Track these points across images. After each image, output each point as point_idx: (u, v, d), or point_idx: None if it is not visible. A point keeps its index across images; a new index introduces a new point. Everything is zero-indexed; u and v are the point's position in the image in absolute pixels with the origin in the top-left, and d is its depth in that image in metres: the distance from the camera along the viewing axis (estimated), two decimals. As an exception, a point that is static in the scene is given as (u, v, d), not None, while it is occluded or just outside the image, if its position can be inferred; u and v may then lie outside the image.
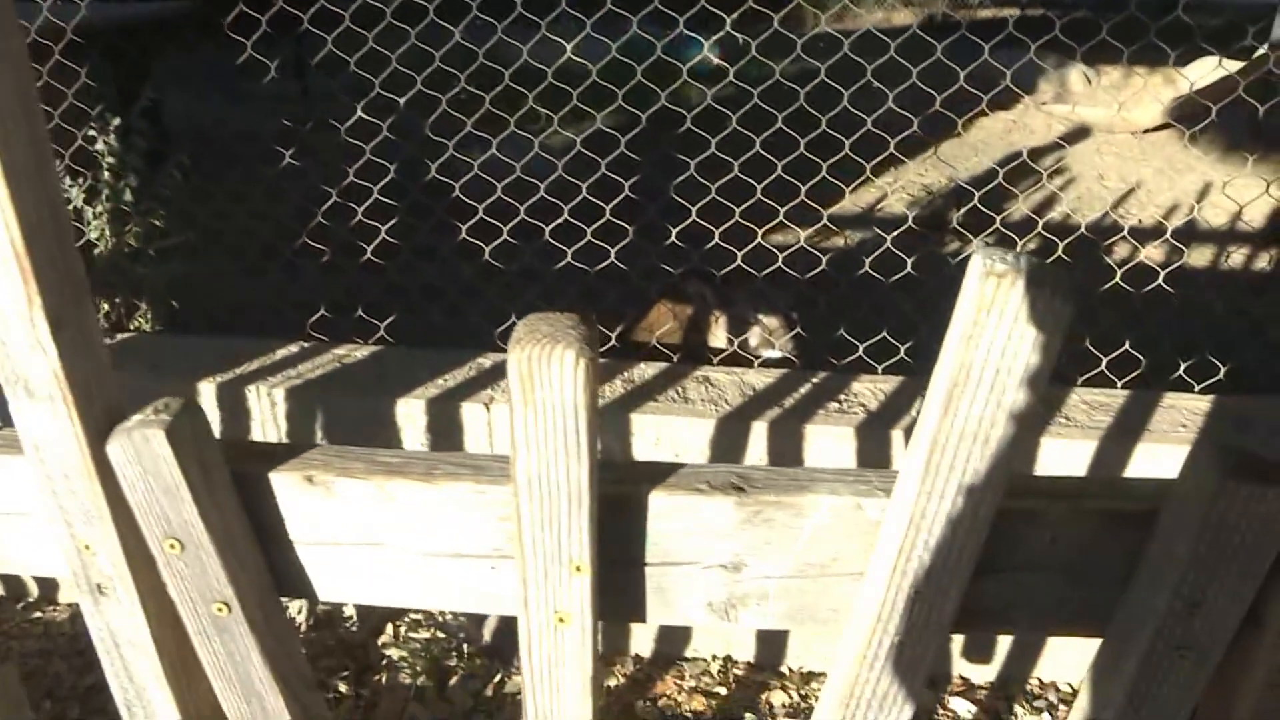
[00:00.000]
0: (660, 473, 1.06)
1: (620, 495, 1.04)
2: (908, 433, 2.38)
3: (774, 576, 1.06)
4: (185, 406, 1.04)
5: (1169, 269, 2.80)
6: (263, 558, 1.12)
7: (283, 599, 1.17)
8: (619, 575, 1.07)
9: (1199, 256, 4.20)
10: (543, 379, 0.93)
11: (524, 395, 0.94)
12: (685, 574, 1.07)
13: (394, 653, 2.66)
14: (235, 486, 1.08)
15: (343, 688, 2.55)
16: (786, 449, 2.40)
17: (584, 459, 0.96)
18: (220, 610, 1.11)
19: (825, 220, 2.97)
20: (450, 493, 1.06)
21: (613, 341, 2.92)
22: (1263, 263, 4.20)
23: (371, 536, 1.10)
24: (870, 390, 2.53)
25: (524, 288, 3.28)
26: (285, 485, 1.09)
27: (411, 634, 2.71)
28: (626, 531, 1.05)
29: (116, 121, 2.97)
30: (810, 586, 1.06)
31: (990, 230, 3.49)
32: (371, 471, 1.08)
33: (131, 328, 3.04)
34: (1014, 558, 1.04)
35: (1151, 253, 3.88)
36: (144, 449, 1.01)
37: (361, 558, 1.11)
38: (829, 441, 2.38)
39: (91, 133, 2.95)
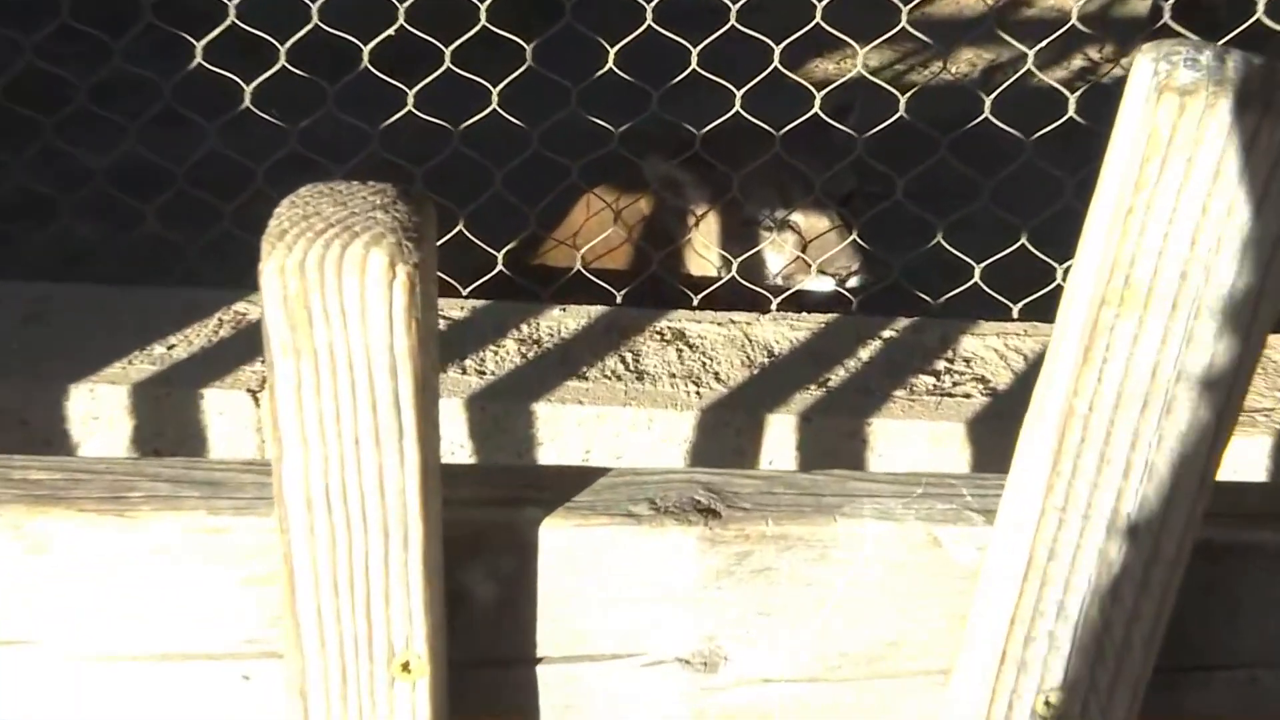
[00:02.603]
0: (564, 484, 1.08)
1: (487, 528, 1.05)
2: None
3: (779, 679, 1.07)
4: None
5: None
6: None
7: None
8: (488, 681, 1.09)
9: None
10: (328, 305, 0.94)
11: (293, 337, 0.95)
12: (614, 678, 1.08)
13: None
14: None
15: None
16: (835, 464, 2.39)
17: (411, 455, 0.98)
18: None
19: (904, 24, 2.96)
20: (159, 533, 1.07)
21: (499, 268, 2.91)
22: None
23: (7, 628, 1.10)
24: (998, 351, 2.55)
25: (324, 170, 3.23)
26: None
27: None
28: (501, 597, 1.07)
29: None
30: (847, 696, 1.08)
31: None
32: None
33: None
34: (1235, 642, 1.06)
35: None
36: None
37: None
38: (918, 448, 2.42)
39: None
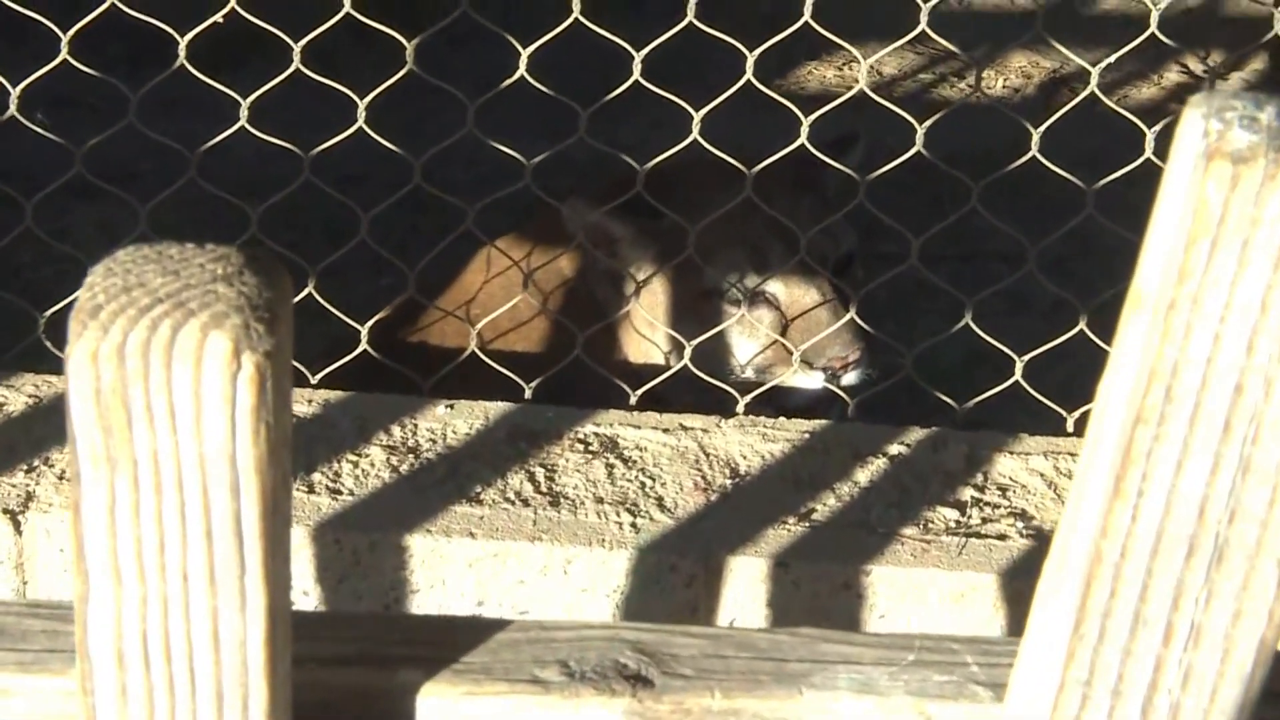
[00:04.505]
0: (450, 640, 1.13)
1: (349, 695, 1.10)
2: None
3: None
4: None
5: None
6: None
7: None
8: None
9: None
10: (152, 403, 1.00)
11: (106, 442, 1.01)
12: None
13: None
14: None
15: None
16: (821, 625, 2.39)
17: (255, 598, 1.03)
18: None
19: (923, 27, 2.95)
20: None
21: (363, 347, 2.98)
22: None
23: None
24: (1045, 477, 2.61)
25: (120, 204, 3.20)
26: None
27: None
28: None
29: None
30: None
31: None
32: None
33: None
34: None
35: None
36: None
37: None
38: (933, 607, 2.48)
39: None
